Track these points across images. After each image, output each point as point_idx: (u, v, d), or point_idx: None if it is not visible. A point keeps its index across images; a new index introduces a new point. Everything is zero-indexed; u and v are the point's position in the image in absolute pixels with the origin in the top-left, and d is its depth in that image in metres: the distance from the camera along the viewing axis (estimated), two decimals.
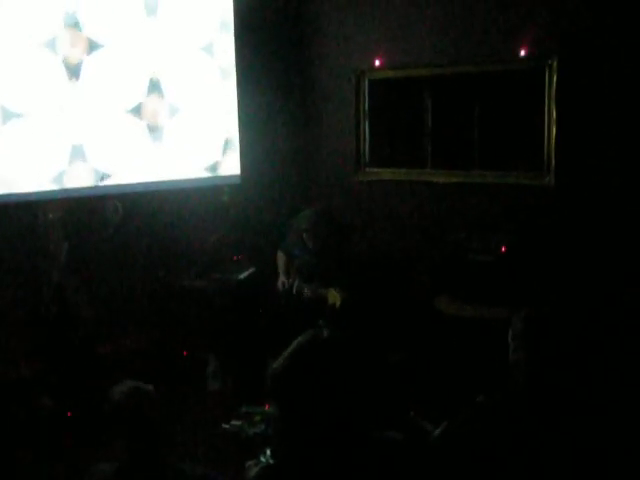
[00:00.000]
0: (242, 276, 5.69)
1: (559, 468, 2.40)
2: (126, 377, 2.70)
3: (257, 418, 4.34)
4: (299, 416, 1.87)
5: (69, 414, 4.66)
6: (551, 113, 4.94)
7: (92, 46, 4.90)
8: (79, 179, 4.96)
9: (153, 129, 5.24)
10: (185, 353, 5.45)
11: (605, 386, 3.64)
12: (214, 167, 5.59)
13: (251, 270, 5.77)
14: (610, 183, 4.80)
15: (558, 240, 4.98)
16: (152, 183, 5.28)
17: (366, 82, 5.79)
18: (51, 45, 4.73)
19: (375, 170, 5.86)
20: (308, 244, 5.33)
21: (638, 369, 4.17)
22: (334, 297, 5.08)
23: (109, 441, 2.58)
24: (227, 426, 4.37)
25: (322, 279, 5.20)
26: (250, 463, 2.65)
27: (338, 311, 5.04)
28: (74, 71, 4.85)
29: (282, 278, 5.42)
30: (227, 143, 5.62)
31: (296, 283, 5.29)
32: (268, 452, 2.93)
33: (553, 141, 4.96)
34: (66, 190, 4.91)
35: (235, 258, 5.82)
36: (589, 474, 2.42)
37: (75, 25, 4.81)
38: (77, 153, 4.93)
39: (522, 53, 5.01)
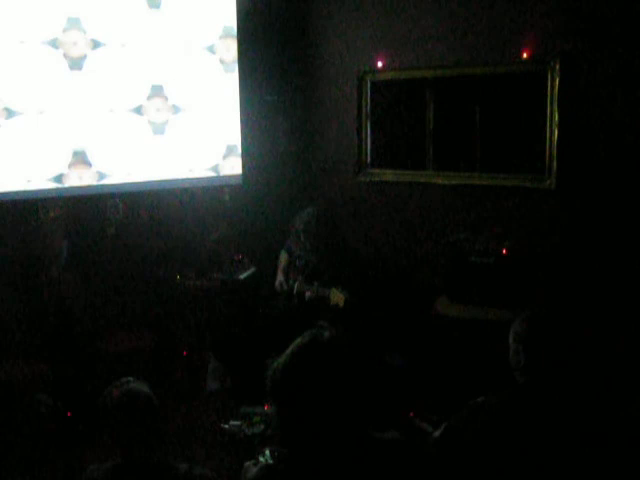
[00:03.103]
0: (243, 276, 5.68)
1: (560, 470, 2.39)
2: (124, 376, 2.69)
3: (256, 418, 4.33)
4: (298, 416, 1.86)
5: (69, 414, 4.67)
6: (553, 116, 4.93)
7: (94, 44, 4.91)
8: (80, 177, 4.96)
9: (155, 128, 5.24)
10: (185, 353, 5.44)
11: (607, 388, 3.63)
12: (216, 167, 5.60)
13: (252, 270, 5.77)
14: (611, 186, 4.79)
15: (559, 243, 4.98)
16: (153, 182, 5.28)
17: (368, 83, 5.78)
18: (53, 43, 4.75)
19: (377, 171, 5.85)
20: (305, 244, 5.35)
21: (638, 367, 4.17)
22: (337, 297, 5.06)
23: (104, 440, 2.58)
24: (226, 426, 4.36)
25: (323, 279, 5.21)
26: (248, 463, 2.64)
27: (341, 311, 5.03)
28: (76, 70, 4.85)
29: (280, 278, 5.43)
30: (229, 143, 5.62)
31: (297, 284, 5.30)
32: (267, 452, 2.92)
33: (555, 144, 4.95)
34: (67, 188, 4.91)
35: (236, 258, 5.81)
36: (589, 475, 2.41)
37: (77, 23, 4.82)
38: (79, 152, 4.94)
39: (524, 55, 5.00)
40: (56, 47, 4.76)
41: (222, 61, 5.51)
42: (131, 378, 2.67)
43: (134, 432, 2.52)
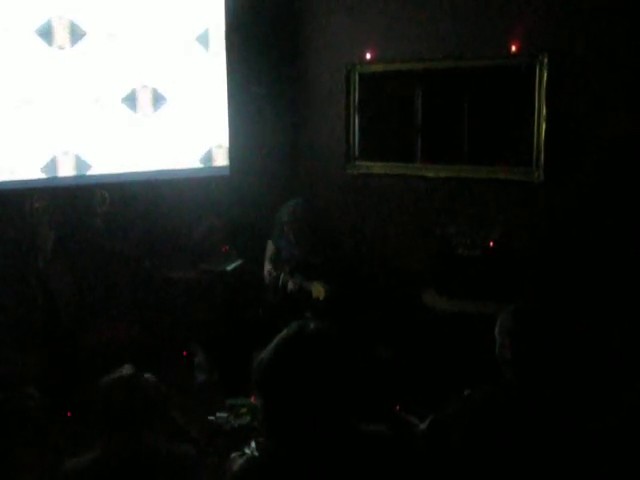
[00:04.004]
0: (230, 268, 5.68)
1: (547, 463, 2.40)
2: (111, 367, 2.68)
3: (243, 410, 4.34)
4: (284, 408, 1.86)
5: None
6: (541, 109, 4.94)
7: (80, 34, 4.87)
8: (66, 168, 4.93)
9: (142, 119, 5.21)
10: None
11: (593, 380, 3.65)
12: (203, 158, 5.58)
13: (239, 262, 5.76)
14: (599, 179, 4.81)
15: (546, 235, 5.00)
16: (140, 173, 5.26)
17: (356, 75, 5.77)
18: (38, 33, 4.70)
19: (365, 164, 5.85)
20: (290, 237, 5.36)
21: (627, 362, 4.19)
22: (318, 290, 5.11)
23: (95, 427, 2.57)
24: (212, 418, 4.36)
25: (306, 272, 5.22)
26: (235, 455, 2.64)
27: (322, 304, 5.06)
28: (63, 60, 4.82)
29: (268, 267, 5.44)
30: (216, 135, 5.60)
31: (282, 276, 5.30)
32: (253, 444, 2.93)
33: (543, 137, 4.96)
34: (53, 179, 4.88)
35: (223, 250, 5.80)
36: (577, 468, 2.42)
37: (64, 12, 4.79)
38: (65, 142, 4.90)
39: (513, 49, 5.00)
40: (42, 36, 4.72)
41: (210, 52, 5.48)
42: (129, 366, 2.67)
43: (132, 420, 2.52)
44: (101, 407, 2.56)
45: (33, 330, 4.92)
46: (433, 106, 5.56)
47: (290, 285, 5.23)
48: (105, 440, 2.54)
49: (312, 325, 1.91)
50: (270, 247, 5.53)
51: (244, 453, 2.74)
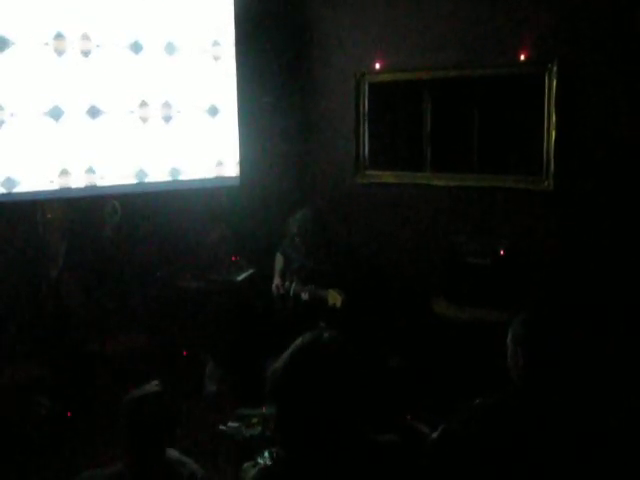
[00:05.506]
0: (240, 278, 5.68)
1: (556, 471, 2.39)
2: (121, 376, 2.70)
3: (254, 420, 4.33)
4: (298, 417, 1.86)
5: (68, 414, 4.67)
6: (550, 117, 4.94)
7: (90, 45, 4.90)
8: (78, 179, 4.95)
9: (152, 130, 5.24)
10: (185, 353, 5.44)
11: (604, 389, 3.64)
12: (213, 169, 5.59)
13: (249, 272, 5.77)
14: (609, 188, 4.80)
15: (556, 244, 4.99)
16: (151, 184, 5.27)
17: (366, 85, 5.78)
18: (49, 45, 4.73)
19: (374, 173, 5.86)
20: (300, 248, 5.36)
21: (637, 371, 4.18)
22: (334, 298, 5.09)
23: (119, 441, 2.57)
24: (224, 428, 4.36)
25: (319, 280, 5.21)
26: (247, 465, 2.65)
27: (339, 312, 5.05)
28: (75, 71, 4.85)
29: (276, 281, 5.43)
30: (227, 145, 5.61)
31: (293, 286, 5.30)
32: (265, 454, 2.93)
33: (552, 145, 4.96)
34: (65, 190, 4.90)
35: (233, 260, 5.81)
36: (585, 477, 2.41)
37: (72, 23, 4.82)
38: (76, 153, 4.92)
39: (522, 57, 5.01)
40: (54, 47, 4.75)
41: (220, 63, 5.50)
42: (154, 382, 2.68)
43: (155, 436, 2.52)
44: (125, 423, 2.56)
45: (45, 339, 4.94)
46: (442, 115, 5.57)
47: (303, 295, 5.22)
48: (127, 455, 2.54)
49: (326, 335, 1.92)
50: (279, 259, 5.53)
51: (257, 463, 2.74)
